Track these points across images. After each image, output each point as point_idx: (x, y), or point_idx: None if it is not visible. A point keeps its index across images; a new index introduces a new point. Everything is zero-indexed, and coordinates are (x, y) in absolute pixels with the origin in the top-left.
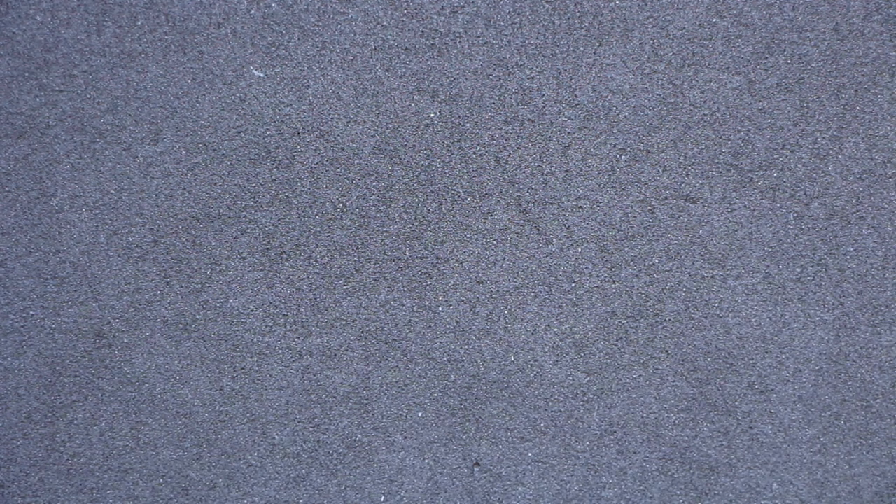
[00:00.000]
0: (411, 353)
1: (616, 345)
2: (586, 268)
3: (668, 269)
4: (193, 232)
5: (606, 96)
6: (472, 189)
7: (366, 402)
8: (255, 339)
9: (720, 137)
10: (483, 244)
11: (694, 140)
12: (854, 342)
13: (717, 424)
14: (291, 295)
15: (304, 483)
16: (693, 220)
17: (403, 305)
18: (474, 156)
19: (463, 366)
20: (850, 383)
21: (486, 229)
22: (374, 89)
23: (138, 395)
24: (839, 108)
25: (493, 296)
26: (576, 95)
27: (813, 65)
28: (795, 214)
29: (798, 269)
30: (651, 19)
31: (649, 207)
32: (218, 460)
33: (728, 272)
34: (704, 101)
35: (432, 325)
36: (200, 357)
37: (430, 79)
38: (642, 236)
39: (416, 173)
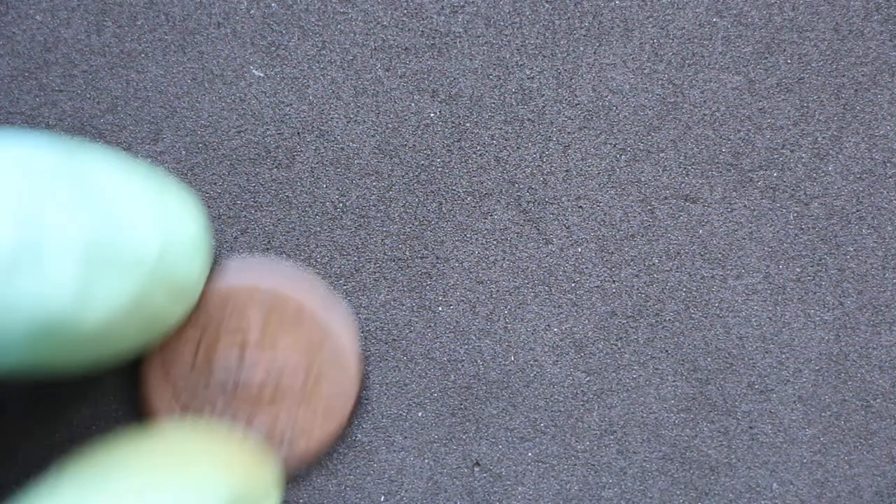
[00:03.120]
0: (411, 353)
1: (616, 345)
2: (586, 268)
3: (668, 269)
4: None
5: (606, 96)
6: (472, 189)
7: (366, 402)
8: None
9: (720, 137)
10: (483, 244)
11: (694, 140)
12: (854, 342)
13: (717, 424)
14: None
15: (304, 483)
16: (693, 220)
17: (403, 305)
18: (474, 156)
19: (463, 366)
20: (850, 383)
21: (486, 229)
22: (374, 89)
23: None
24: (839, 108)
25: (493, 296)
26: (576, 95)
27: (813, 65)
28: (795, 214)
29: (798, 269)
30: (651, 19)
31: (649, 207)
32: None
33: (728, 272)
34: (704, 101)
35: (432, 325)
36: None
37: (430, 79)
38: (642, 236)
39: (416, 173)
